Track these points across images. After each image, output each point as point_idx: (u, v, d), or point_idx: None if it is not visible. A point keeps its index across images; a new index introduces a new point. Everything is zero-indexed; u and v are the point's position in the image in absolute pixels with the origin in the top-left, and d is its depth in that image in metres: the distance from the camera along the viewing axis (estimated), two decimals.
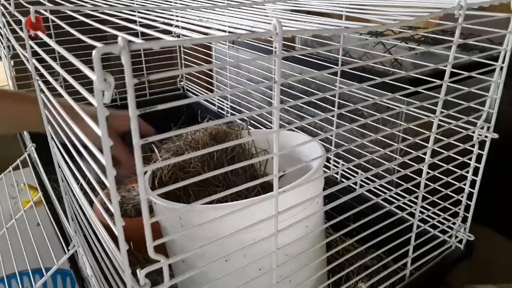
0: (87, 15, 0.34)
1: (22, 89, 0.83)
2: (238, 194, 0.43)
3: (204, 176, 0.28)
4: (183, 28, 0.30)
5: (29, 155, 0.76)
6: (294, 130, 0.57)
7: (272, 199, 0.33)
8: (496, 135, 0.46)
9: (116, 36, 0.22)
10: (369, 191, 0.59)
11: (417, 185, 0.45)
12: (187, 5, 0.47)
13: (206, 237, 0.35)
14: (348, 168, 0.69)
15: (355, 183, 0.64)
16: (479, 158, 0.48)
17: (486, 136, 0.46)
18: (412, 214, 0.47)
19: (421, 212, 0.47)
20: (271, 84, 0.29)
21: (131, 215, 0.65)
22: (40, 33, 0.32)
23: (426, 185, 0.45)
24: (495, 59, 0.43)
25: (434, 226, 0.51)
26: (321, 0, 0.52)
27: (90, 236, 0.40)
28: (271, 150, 0.51)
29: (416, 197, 0.45)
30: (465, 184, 0.49)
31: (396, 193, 0.51)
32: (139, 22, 0.32)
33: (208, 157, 0.49)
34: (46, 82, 0.35)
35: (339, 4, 0.49)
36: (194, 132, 0.51)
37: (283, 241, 0.35)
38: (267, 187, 0.49)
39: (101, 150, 0.23)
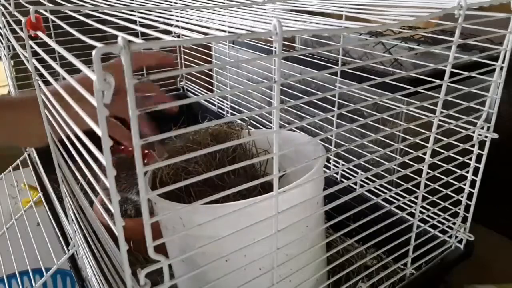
0: (87, 15, 0.34)
1: (22, 89, 0.83)
2: (240, 194, 0.43)
3: (203, 176, 0.28)
4: (183, 28, 0.30)
5: (29, 155, 0.76)
6: (294, 130, 0.57)
7: (272, 199, 0.33)
8: (496, 135, 0.46)
9: (116, 36, 0.22)
10: (369, 191, 0.59)
11: (417, 185, 0.45)
12: (187, 5, 0.47)
13: (206, 237, 0.35)
14: (348, 168, 0.69)
15: (355, 183, 0.64)
16: (479, 158, 0.48)
17: (486, 136, 0.46)
18: (412, 214, 0.47)
19: (421, 212, 0.47)
20: (271, 84, 0.29)
21: (131, 215, 0.65)
22: (40, 33, 0.32)
23: (426, 185, 0.45)
24: (495, 59, 0.43)
25: (434, 226, 0.51)
26: (321, 0, 0.52)
27: (90, 236, 0.40)
28: (271, 151, 0.51)
29: (416, 197, 0.45)
30: (465, 184, 0.49)
31: (396, 193, 0.51)
32: (139, 22, 0.32)
33: (210, 158, 0.49)
34: (46, 82, 0.35)
35: (339, 4, 0.49)
36: (195, 133, 0.51)
37: (284, 241, 0.35)
38: (267, 187, 0.49)
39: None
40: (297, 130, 0.68)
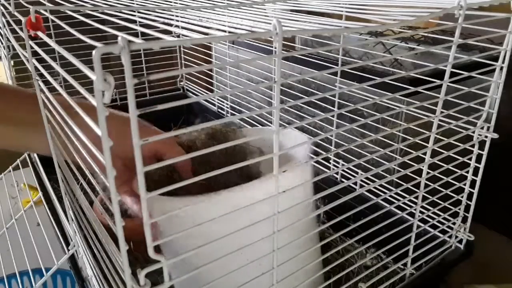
0: (87, 15, 0.34)
1: None
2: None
3: (203, 177, 0.28)
4: (183, 28, 0.30)
5: (29, 155, 0.76)
6: (294, 130, 0.56)
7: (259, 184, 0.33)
8: (496, 135, 0.46)
9: (116, 36, 0.22)
10: (369, 191, 0.59)
11: (417, 185, 0.45)
12: (187, 5, 0.47)
13: (204, 234, 0.35)
14: (348, 168, 0.69)
15: (355, 183, 0.64)
16: (479, 158, 0.48)
17: (486, 136, 0.46)
18: (412, 214, 0.47)
19: (421, 212, 0.47)
20: (271, 84, 0.29)
21: (131, 215, 0.65)
22: (40, 33, 0.32)
23: (426, 185, 0.45)
24: (495, 59, 0.43)
25: (434, 226, 0.51)
26: (321, 0, 0.52)
27: (90, 236, 0.40)
28: (265, 149, 0.51)
29: (416, 197, 0.45)
30: (465, 184, 0.49)
31: (396, 193, 0.51)
32: (139, 22, 0.32)
33: (211, 158, 0.48)
34: (46, 82, 0.35)
35: (339, 4, 0.49)
36: (190, 133, 0.50)
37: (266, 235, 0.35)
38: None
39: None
40: (297, 130, 0.68)
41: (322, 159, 0.72)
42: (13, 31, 0.50)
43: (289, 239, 0.36)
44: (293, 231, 0.39)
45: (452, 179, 0.48)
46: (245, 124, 0.87)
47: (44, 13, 0.38)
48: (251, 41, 0.89)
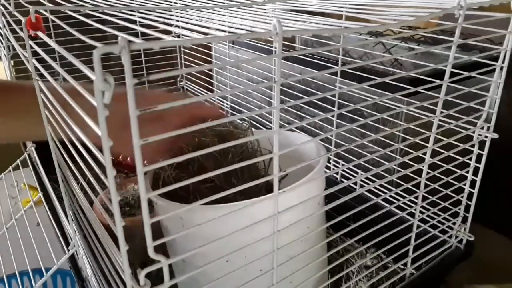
0: (87, 15, 0.34)
1: None
2: (244, 196, 0.42)
3: (203, 176, 0.28)
4: (183, 28, 0.30)
5: (29, 155, 0.76)
6: (294, 130, 0.56)
7: (271, 200, 0.33)
8: (496, 135, 0.46)
9: (116, 36, 0.22)
10: (369, 191, 0.59)
11: (417, 185, 0.45)
12: (187, 5, 0.47)
13: (207, 237, 0.36)
14: (348, 168, 0.69)
15: (355, 183, 0.64)
16: (479, 158, 0.48)
17: (486, 136, 0.46)
18: (412, 214, 0.47)
19: (421, 212, 0.47)
20: (271, 84, 0.29)
21: (135, 212, 0.65)
22: (40, 33, 0.32)
23: (426, 185, 0.45)
24: (495, 59, 0.43)
25: (434, 226, 0.51)
26: (321, 0, 0.52)
27: (90, 236, 0.40)
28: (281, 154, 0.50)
29: (416, 197, 0.45)
30: (465, 184, 0.49)
31: (396, 193, 0.51)
32: (139, 22, 0.32)
33: (221, 159, 0.48)
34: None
35: (339, 4, 0.49)
36: (200, 134, 0.50)
37: (284, 241, 0.35)
38: (271, 189, 0.48)
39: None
40: (297, 130, 0.68)
41: None
42: (13, 31, 0.50)
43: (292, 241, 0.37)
44: (301, 230, 0.39)
45: (452, 179, 0.48)
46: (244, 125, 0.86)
47: (44, 13, 0.38)
48: (251, 41, 0.89)
